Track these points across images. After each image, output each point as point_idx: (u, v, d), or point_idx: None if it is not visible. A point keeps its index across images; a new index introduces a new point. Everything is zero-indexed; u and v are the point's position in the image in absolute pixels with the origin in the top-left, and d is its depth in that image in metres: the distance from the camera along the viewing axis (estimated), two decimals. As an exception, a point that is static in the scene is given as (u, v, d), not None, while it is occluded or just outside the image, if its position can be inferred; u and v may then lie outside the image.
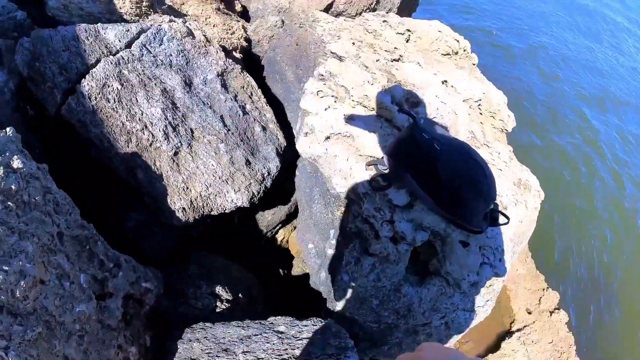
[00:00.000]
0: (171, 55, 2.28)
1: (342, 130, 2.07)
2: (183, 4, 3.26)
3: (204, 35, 2.50)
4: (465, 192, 1.60)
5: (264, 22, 3.59)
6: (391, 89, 2.23)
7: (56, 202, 1.60)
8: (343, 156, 1.93)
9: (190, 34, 2.43)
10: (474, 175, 1.59)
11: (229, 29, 3.22)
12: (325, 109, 2.35)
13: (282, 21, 3.58)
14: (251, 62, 3.30)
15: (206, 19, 3.17)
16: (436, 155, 1.58)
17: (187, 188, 2.08)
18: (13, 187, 1.43)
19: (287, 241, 3.22)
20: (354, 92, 2.27)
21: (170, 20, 2.45)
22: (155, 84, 2.12)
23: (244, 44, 3.20)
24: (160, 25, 2.35)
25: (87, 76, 2.02)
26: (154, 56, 2.22)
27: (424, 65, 2.51)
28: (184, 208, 2.07)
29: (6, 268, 1.21)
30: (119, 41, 2.20)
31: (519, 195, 2.13)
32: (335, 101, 2.35)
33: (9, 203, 1.40)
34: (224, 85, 2.39)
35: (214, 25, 3.15)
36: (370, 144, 2.00)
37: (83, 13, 2.69)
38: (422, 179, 1.65)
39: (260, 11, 3.84)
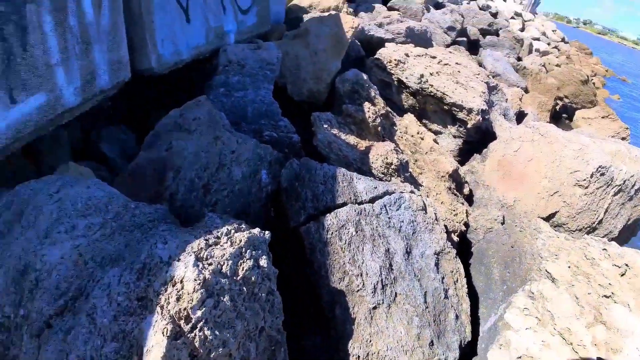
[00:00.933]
0: (403, 221, 2.57)
1: (535, 356, 1.99)
2: (421, 174, 3.68)
3: (435, 214, 2.76)
4: None
5: (486, 212, 3.75)
6: None
7: (272, 303, 1.89)
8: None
9: (423, 208, 2.72)
10: None
11: (454, 210, 3.46)
12: (526, 329, 2.28)
13: (503, 218, 3.67)
14: (462, 245, 3.43)
15: (436, 195, 3.49)
16: None
17: (370, 342, 2.18)
18: (253, 278, 1.78)
19: None
20: (558, 322, 2.19)
21: (412, 192, 2.79)
22: (382, 242, 2.40)
23: (463, 228, 3.38)
24: (402, 193, 2.70)
25: (332, 212, 2.42)
26: (389, 217, 2.54)
27: (633, 309, 2.27)
28: (358, 356, 2.16)
29: (217, 333, 1.51)
30: (366, 194, 2.61)
31: None
32: (537, 324, 2.28)
33: (244, 288, 1.74)
34: (437, 265, 2.54)
35: (441, 202, 3.44)
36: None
37: (340, 155, 3.29)
38: None
39: (484, 200, 4.04)
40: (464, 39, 9.26)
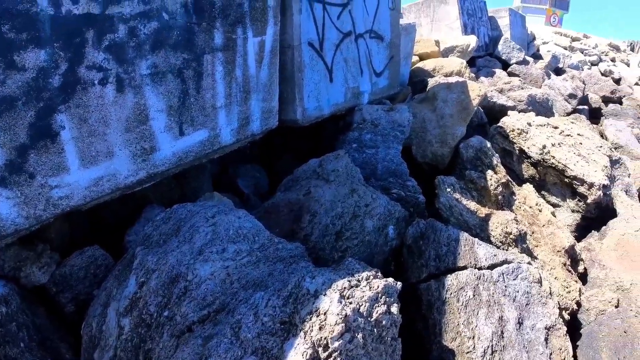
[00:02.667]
0: (518, 291, 2.72)
1: None
2: (537, 246, 3.75)
3: (550, 287, 2.86)
4: None
5: (600, 293, 3.68)
6: None
7: (394, 349, 2.16)
8: None
9: (539, 281, 2.84)
10: None
11: (567, 287, 3.48)
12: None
13: (618, 301, 3.58)
14: (572, 325, 3.41)
15: (551, 269, 3.54)
16: None
17: (476, 401, 2.35)
18: (383, 322, 2.07)
19: None
20: None
21: (529, 263, 2.93)
22: (497, 309, 2.58)
23: (575, 307, 3.37)
24: (520, 263, 2.85)
25: (453, 274, 2.66)
26: (505, 286, 2.71)
27: None
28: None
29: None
30: (485, 260, 2.81)
31: None
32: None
33: (375, 330, 2.02)
34: (546, 340, 2.63)
35: (555, 278, 3.48)
36: None
37: (460, 219, 3.51)
38: None
39: (599, 281, 3.95)
40: (585, 107, 8.95)
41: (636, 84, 14.31)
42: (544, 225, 4.02)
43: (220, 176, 4.16)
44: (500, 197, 3.75)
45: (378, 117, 4.13)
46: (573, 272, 3.83)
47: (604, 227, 4.12)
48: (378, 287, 2.02)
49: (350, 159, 3.47)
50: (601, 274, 3.90)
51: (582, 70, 11.93)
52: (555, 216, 4.20)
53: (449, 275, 2.66)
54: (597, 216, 4.31)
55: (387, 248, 2.98)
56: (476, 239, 2.91)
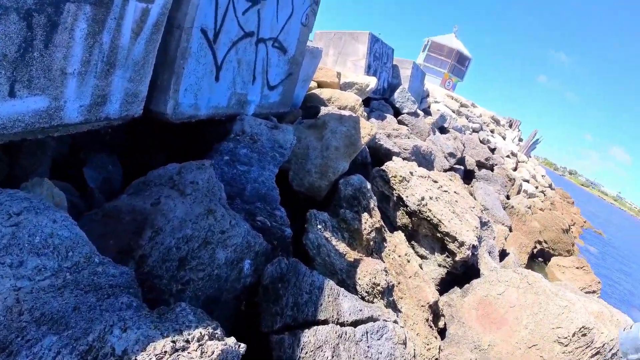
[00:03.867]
0: (381, 353, 2.48)
1: None
2: (401, 298, 3.63)
3: (414, 350, 2.67)
4: None
5: (458, 352, 3.66)
6: None
7: None
8: None
9: (404, 342, 2.64)
10: None
11: (428, 344, 3.38)
12: None
13: (475, 361, 3.59)
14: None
15: (413, 324, 3.42)
16: None
17: None
18: None
19: None
20: None
21: (395, 321, 2.73)
22: (357, 373, 2.29)
23: (434, 366, 3.27)
24: (386, 322, 2.64)
25: (311, 329, 2.33)
26: (368, 346, 2.45)
27: None
28: None
29: None
30: (349, 315, 2.53)
31: None
32: None
33: None
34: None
35: (417, 334, 3.36)
36: None
37: (327, 261, 3.24)
38: None
39: (457, 337, 3.96)
40: (461, 167, 9.66)
41: (508, 156, 16.14)
42: (410, 277, 3.95)
43: (66, 161, 3.31)
44: (372, 242, 3.59)
45: (260, 132, 3.76)
46: (434, 327, 3.78)
47: (467, 285, 4.19)
48: (213, 353, 1.58)
49: (216, 172, 3.00)
50: (460, 330, 3.90)
51: (464, 134, 13.05)
52: (422, 268, 4.17)
53: (306, 329, 2.31)
54: (462, 273, 4.40)
55: (239, 285, 2.56)
56: (342, 290, 2.63)
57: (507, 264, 5.92)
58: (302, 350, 2.22)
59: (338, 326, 2.41)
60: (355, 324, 2.53)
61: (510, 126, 25.21)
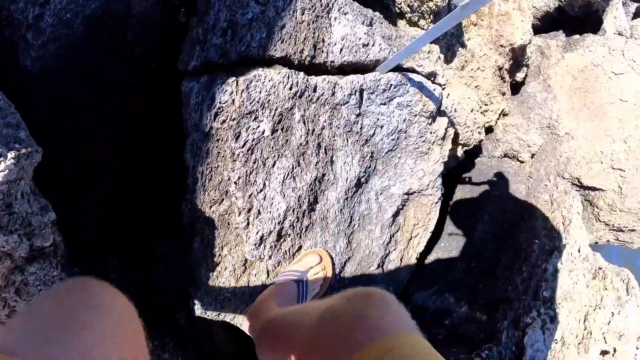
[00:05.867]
0: (382, 126, 1.38)
1: None
2: (474, 25, 2.27)
3: (446, 129, 1.56)
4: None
5: (522, 128, 2.54)
6: None
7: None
8: None
9: (432, 115, 1.50)
10: None
11: (487, 104, 2.23)
12: None
13: (538, 149, 2.49)
14: (466, 163, 2.31)
15: (476, 71, 2.18)
16: None
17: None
18: None
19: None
20: None
21: (432, 75, 1.52)
22: (318, 162, 1.27)
23: (481, 137, 2.20)
24: (409, 76, 1.43)
25: (249, 72, 1.20)
26: (359, 113, 1.34)
27: None
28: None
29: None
30: (339, 52, 1.33)
31: None
32: None
33: None
34: (397, 213, 1.49)
35: (476, 86, 2.16)
36: None
37: None
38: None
39: (533, 103, 2.74)
40: None
41: None
42: (501, -3, 2.45)
43: None
44: None
45: None
46: (507, 79, 2.51)
47: (576, 37, 2.63)
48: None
49: None
50: (540, 95, 2.62)
51: None
52: (526, -13, 2.58)
53: (239, 77, 1.16)
54: (577, 17, 2.74)
55: None
56: (340, 0, 1.32)
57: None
58: (214, 115, 1.15)
59: (301, 74, 1.23)
60: (342, 69, 1.34)
61: None
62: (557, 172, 2.26)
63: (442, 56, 1.71)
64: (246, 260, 1.27)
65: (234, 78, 1.15)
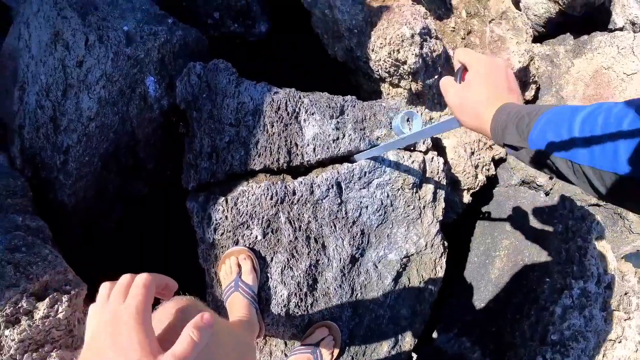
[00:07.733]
0: (367, 207, 1.51)
1: None
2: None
3: (433, 194, 1.64)
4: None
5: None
6: None
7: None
8: None
9: (416, 184, 1.59)
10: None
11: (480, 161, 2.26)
12: None
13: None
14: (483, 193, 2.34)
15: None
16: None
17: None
18: None
19: None
20: None
21: (410, 150, 1.61)
22: (310, 251, 1.43)
23: (490, 173, 2.23)
24: (384, 163, 1.55)
25: (237, 187, 1.39)
26: (341, 201, 1.47)
27: None
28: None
29: None
30: (313, 151, 1.48)
31: None
32: None
33: None
34: (398, 276, 1.60)
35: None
36: None
37: (328, 15, 1.94)
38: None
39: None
40: None
41: None
42: (492, 21, 2.48)
43: None
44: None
45: None
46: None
47: (584, 37, 2.57)
48: None
49: None
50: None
51: None
52: (518, 6, 2.59)
53: (229, 193, 1.37)
54: (581, 17, 2.66)
55: (154, 113, 1.58)
56: (306, 102, 1.47)
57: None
58: (214, 229, 1.36)
59: (279, 183, 1.39)
60: (322, 164, 1.49)
61: None
62: (576, 193, 2.23)
63: (428, 117, 1.80)
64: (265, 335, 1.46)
65: (224, 198, 1.35)
